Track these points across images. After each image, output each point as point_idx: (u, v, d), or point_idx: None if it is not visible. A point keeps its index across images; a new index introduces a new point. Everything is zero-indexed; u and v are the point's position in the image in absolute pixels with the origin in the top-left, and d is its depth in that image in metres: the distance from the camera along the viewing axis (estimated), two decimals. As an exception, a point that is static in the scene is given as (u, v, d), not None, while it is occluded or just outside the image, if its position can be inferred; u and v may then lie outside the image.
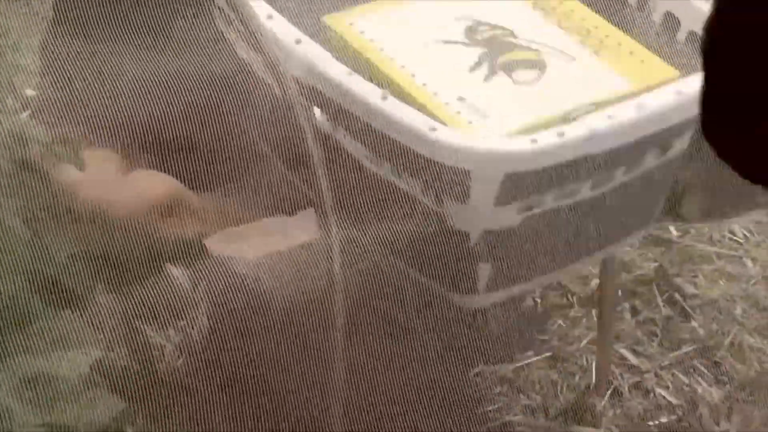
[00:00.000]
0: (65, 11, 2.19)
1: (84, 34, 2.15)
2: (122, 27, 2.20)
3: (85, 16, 2.15)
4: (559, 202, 2.11)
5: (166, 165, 2.26)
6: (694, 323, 2.77)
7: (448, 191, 2.03)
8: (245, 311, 2.18)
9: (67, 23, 2.17)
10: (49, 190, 1.97)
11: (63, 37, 2.17)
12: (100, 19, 2.16)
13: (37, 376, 1.66)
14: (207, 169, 2.30)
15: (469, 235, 2.12)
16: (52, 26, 2.27)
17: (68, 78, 2.11)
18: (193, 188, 2.29)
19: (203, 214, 2.28)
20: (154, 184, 2.24)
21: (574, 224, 2.21)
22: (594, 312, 2.70)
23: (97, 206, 2.05)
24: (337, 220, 2.15)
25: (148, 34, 2.22)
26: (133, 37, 2.20)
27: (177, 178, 2.27)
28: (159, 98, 2.21)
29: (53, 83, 2.14)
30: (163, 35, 2.22)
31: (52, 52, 2.18)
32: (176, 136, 2.23)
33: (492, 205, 2.04)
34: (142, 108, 2.20)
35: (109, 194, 2.12)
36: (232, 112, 2.39)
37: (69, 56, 2.11)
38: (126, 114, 2.18)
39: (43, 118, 2.13)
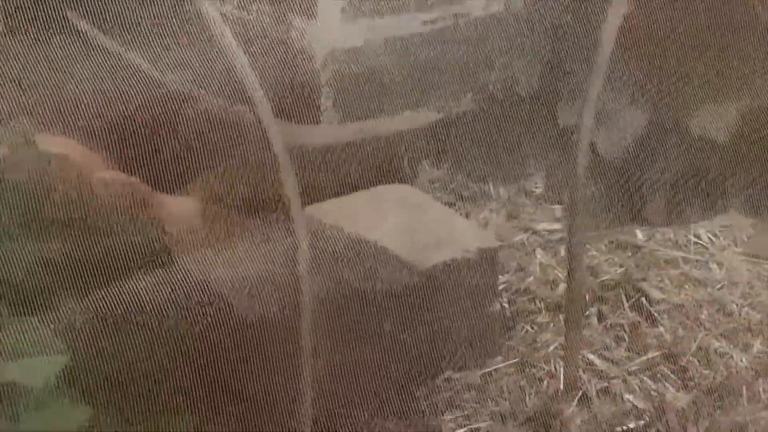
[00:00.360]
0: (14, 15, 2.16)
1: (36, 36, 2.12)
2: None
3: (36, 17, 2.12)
4: (406, 30, 2.12)
5: (131, 165, 2.23)
6: (660, 328, 2.76)
7: (297, 10, 2.04)
8: (211, 319, 2.15)
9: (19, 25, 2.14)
10: (13, 195, 1.93)
11: (17, 36, 2.14)
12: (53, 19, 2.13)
13: (3, 384, 1.62)
14: (172, 168, 2.27)
15: (314, 57, 2.14)
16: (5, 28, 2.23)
17: (25, 78, 2.08)
18: (158, 187, 2.26)
19: (170, 217, 2.25)
20: (120, 187, 2.21)
21: (422, 59, 2.21)
22: (562, 317, 2.69)
23: (64, 209, 2.02)
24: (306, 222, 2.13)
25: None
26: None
27: (142, 178, 2.24)
28: (117, 99, 2.18)
29: (10, 84, 2.10)
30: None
31: (7, 54, 2.15)
32: (139, 135, 2.20)
33: (339, 20, 2.05)
34: (104, 108, 2.17)
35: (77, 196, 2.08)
36: (191, 110, 2.36)
37: (25, 58, 2.08)
38: (88, 114, 2.15)
39: (5, 121, 2.09)
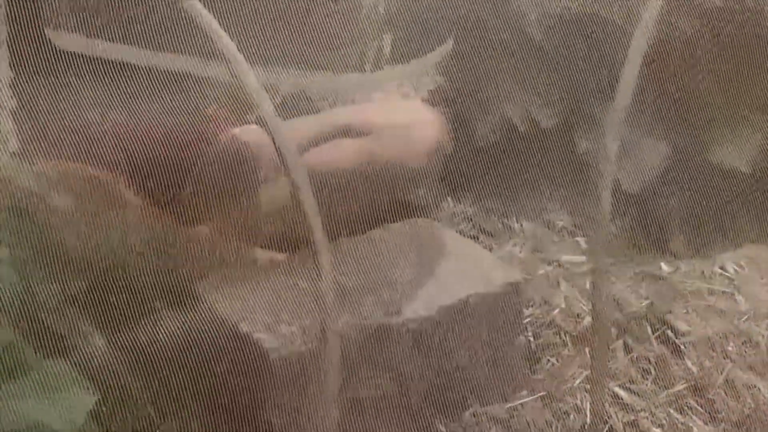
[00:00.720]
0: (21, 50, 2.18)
1: (48, 72, 2.13)
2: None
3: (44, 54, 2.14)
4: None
5: (154, 200, 2.24)
6: (687, 361, 2.74)
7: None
8: (238, 357, 2.15)
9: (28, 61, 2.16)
10: (38, 233, 1.93)
11: (28, 75, 2.16)
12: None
13: (31, 426, 1.62)
14: (195, 203, 2.28)
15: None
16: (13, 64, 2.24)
17: (46, 116, 2.09)
18: (180, 221, 2.27)
19: (194, 252, 2.25)
20: (143, 218, 2.21)
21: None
22: (587, 350, 2.67)
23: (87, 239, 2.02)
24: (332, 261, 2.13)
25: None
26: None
27: (165, 214, 2.25)
28: (138, 135, 2.19)
29: (31, 122, 2.11)
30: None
31: (24, 91, 2.16)
32: (161, 171, 2.21)
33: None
34: (124, 144, 2.18)
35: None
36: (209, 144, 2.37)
37: (41, 95, 2.09)
38: (109, 150, 2.16)
39: (26, 157, 2.10)
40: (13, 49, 2.21)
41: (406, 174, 2.71)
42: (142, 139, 2.19)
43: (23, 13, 2.14)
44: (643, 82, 2.40)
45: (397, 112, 2.80)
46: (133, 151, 2.18)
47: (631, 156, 2.94)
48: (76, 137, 2.13)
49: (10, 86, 2.16)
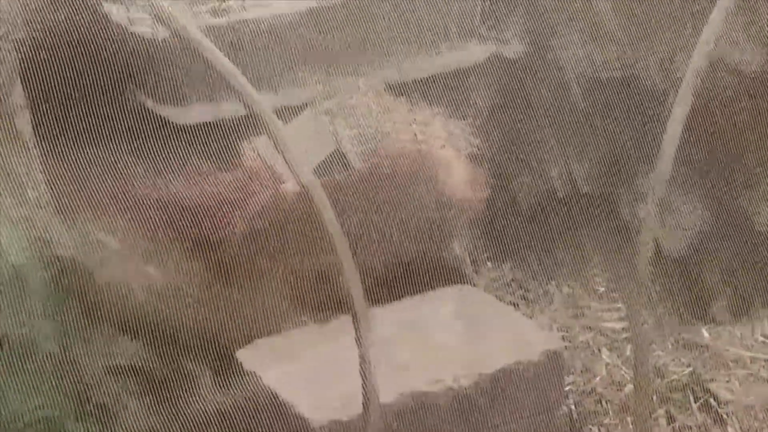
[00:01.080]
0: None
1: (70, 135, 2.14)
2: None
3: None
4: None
5: (198, 258, 2.24)
6: (730, 430, 2.70)
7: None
8: (278, 428, 2.14)
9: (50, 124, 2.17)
10: (80, 301, 1.92)
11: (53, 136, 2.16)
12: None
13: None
14: (238, 261, 2.28)
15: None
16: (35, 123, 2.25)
17: (79, 177, 2.09)
18: (225, 283, 2.27)
19: (237, 320, 2.24)
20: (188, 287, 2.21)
21: None
22: (629, 419, 2.64)
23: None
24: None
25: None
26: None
27: (209, 272, 2.24)
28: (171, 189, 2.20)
29: (65, 182, 2.11)
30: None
31: (51, 150, 2.17)
32: (205, 229, 2.21)
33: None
34: (160, 206, 2.17)
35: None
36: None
37: (72, 157, 2.09)
38: (151, 212, 2.16)
39: (68, 222, 2.09)
40: (37, 119, 2.21)
41: (442, 227, 2.70)
42: (184, 201, 2.19)
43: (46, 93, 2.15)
44: (685, 145, 2.38)
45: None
46: (174, 212, 2.17)
47: (672, 219, 2.92)
48: (118, 203, 2.12)
49: (39, 151, 2.17)
